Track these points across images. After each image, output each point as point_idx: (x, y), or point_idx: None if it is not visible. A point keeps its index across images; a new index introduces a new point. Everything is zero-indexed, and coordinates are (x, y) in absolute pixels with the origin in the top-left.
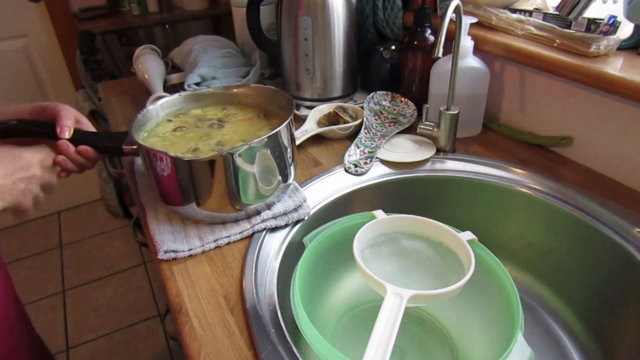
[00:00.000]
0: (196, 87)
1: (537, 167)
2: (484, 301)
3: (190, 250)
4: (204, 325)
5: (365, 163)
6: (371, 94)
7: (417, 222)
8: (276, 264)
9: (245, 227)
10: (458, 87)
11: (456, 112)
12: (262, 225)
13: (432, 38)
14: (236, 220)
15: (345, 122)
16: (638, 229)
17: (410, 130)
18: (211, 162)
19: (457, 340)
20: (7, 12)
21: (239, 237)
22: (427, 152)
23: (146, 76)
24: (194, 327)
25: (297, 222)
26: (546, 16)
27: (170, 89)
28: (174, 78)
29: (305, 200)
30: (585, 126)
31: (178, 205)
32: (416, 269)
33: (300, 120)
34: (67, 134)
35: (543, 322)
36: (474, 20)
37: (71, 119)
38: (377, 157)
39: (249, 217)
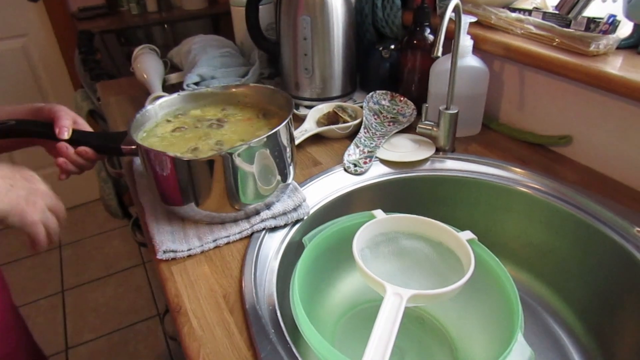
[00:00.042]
0: (195, 86)
1: (536, 167)
2: (483, 301)
3: (189, 250)
4: (203, 326)
5: (365, 162)
6: (370, 94)
7: (417, 222)
8: (275, 264)
9: (244, 227)
10: (457, 86)
11: (455, 111)
12: (262, 225)
13: (431, 37)
14: (235, 220)
15: (345, 121)
16: (638, 228)
17: (409, 129)
18: (210, 162)
19: (456, 340)
20: (6, 12)
21: (238, 237)
22: (426, 152)
23: (145, 76)
24: (193, 327)
25: (297, 221)
26: (545, 15)
27: (169, 88)
28: (173, 78)
29: (304, 200)
30: (585, 125)
31: (177, 205)
32: (416, 268)
33: (300, 120)
34: (66, 134)
35: (543, 321)
36: (473, 19)
37: (69, 120)
38: (376, 157)
39: (248, 217)
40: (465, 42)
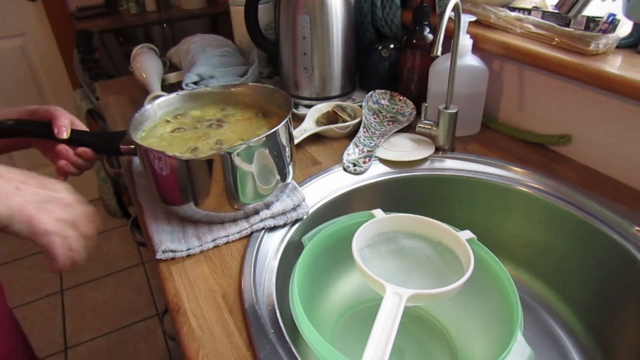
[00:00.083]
0: (194, 86)
1: (536, 166)
2: (483, 300)
3: (188, 250)
4: (202, 325)
5: (364, 162)
6: (370, 93)
7: (416, 221)
8: (275, 264)
9: (243, 227)
10: (457, 85)
11: (455, 110)
12: (261, 225)
13: (430, 36)
14: (234, 220)
15: (344, 121)
16: (637, 228)
17: (409, 129)
18: (209, 162)
19: (456, 340)
20: (5, 11)
21: (237, 236)
22: (426, 151)
23: (144, 75)
24: (193, 327)
25: (296, 221)
26: (545, 14)
27: (168, 88)
28: (172, 77)
29: (303, 200)
30: (584, 125)
31: (176, 205)
32: (415, 268)
33: (299, 119)
34: (65, 133)
35: (542, 321)
36: (473, 18)
37: (67, 119)
38: (375, 156)
39: (247, 216)
40: (465, 41)
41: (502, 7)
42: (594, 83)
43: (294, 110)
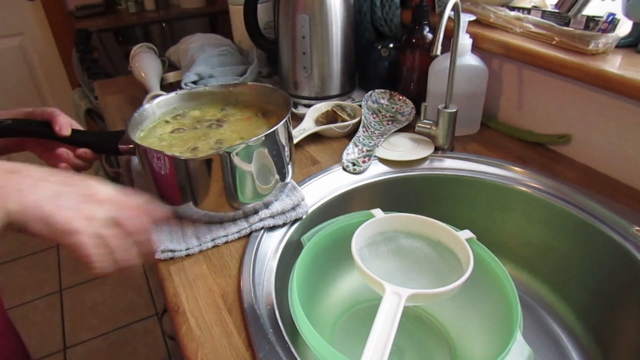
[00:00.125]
0: (193, 85)
1: (535, 166)
2: (482, 300)
3: (187, 249)
4: (201, 325)
5: (364, 161)
6: (369, 92)
7: (416, 221)
8: (274, 264)
9: (242, 227)
10: (456, 85)
11: (454, 110)
12: (260, 225)
13: (430, 36)
14: (234, 220)
15: (343, 120)
16: (637, 228)
17: (408, 128)
18: (208, 161)
19: (455, 339)
20: (4, 10)
21: (236, 236)
22: (425, 151)
23: (143, 74)
24: (192, 327)
25: (295, 221)
26: (545, 14)
27: (167, 87)
28: (171, 76)
29: (303, 199)
30: (584, 124)
31: (175, 205)
32: (415, 267)
33: (298, 119)
34: (67, 131)
35: (542, 321)
36: (473, 17)
37: (67, 118)
38: (375, 156)
39: (246, 216)
40: (464, 40)
41: (502, 6)
42: (594, 83)
43: (293, 109)
